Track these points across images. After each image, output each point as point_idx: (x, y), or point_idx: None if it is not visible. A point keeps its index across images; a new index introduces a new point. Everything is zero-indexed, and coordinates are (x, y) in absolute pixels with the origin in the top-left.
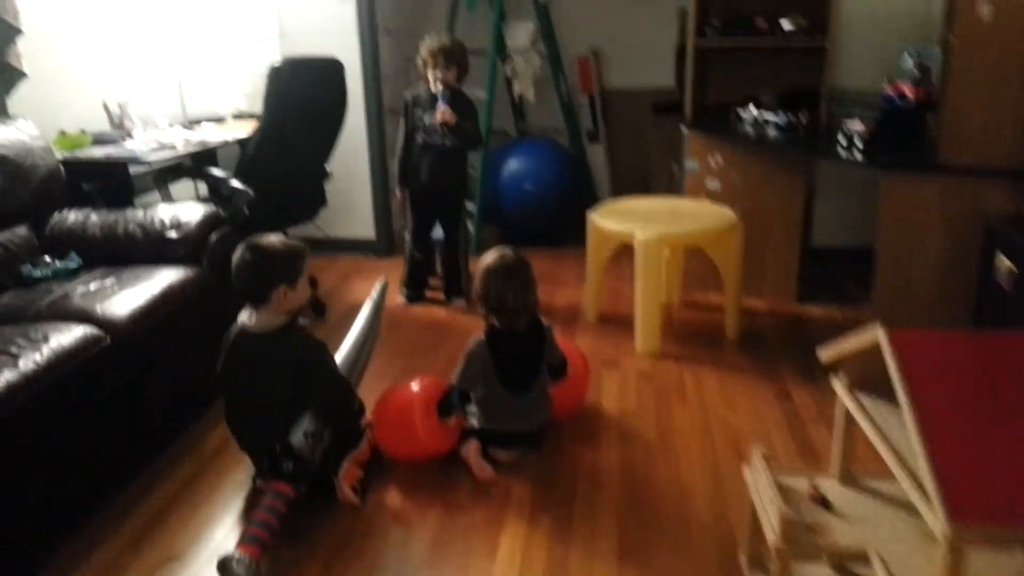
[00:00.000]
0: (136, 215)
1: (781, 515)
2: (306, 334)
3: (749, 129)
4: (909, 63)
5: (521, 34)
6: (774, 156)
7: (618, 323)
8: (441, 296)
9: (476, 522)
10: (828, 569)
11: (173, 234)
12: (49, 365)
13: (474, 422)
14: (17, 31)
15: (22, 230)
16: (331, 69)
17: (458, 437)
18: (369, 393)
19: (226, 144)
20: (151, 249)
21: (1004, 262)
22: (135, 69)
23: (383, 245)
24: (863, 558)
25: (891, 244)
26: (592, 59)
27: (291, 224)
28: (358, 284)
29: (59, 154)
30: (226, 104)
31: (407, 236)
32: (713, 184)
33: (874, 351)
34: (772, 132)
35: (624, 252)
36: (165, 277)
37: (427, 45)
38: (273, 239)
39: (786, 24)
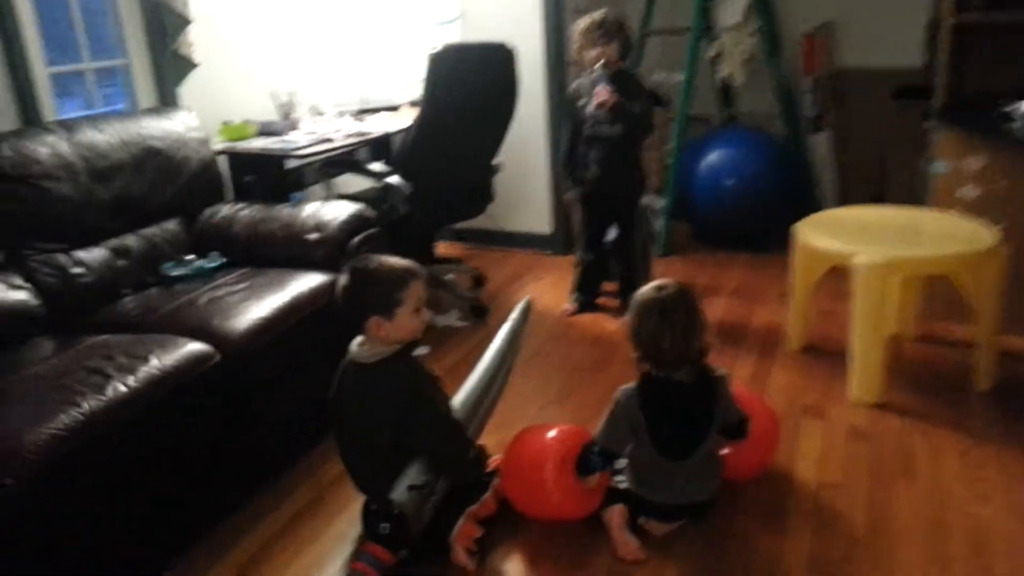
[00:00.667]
0: (282, 213)
1: None
2: (415, 366)
3: (1020, 127)
4: None
5: (732, 10)
6: None
7: (829, 356)
8: (616, 304)
9: None
10: None
11: (313, 236)
12: (143, 389)
13: (623, 483)
14: (187, 21)
15: (172, 225)
16: (499, 55)
17: (603, 498)
18: (504, 428)
19: (387, 135)
20: (292, 251)
21: None
22: (308, 56)
23: (560, 241)
24: None
25: None
26: (820, 35)
27: (453, 222)
28: (529, 283)
29: (221, 145)
30: (403, 91)
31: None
32: (968, 192)
33: None
34: None
35: (843, 270)
36: (299, 284)
37: (579, 26)
38: (383, 261)
39: None
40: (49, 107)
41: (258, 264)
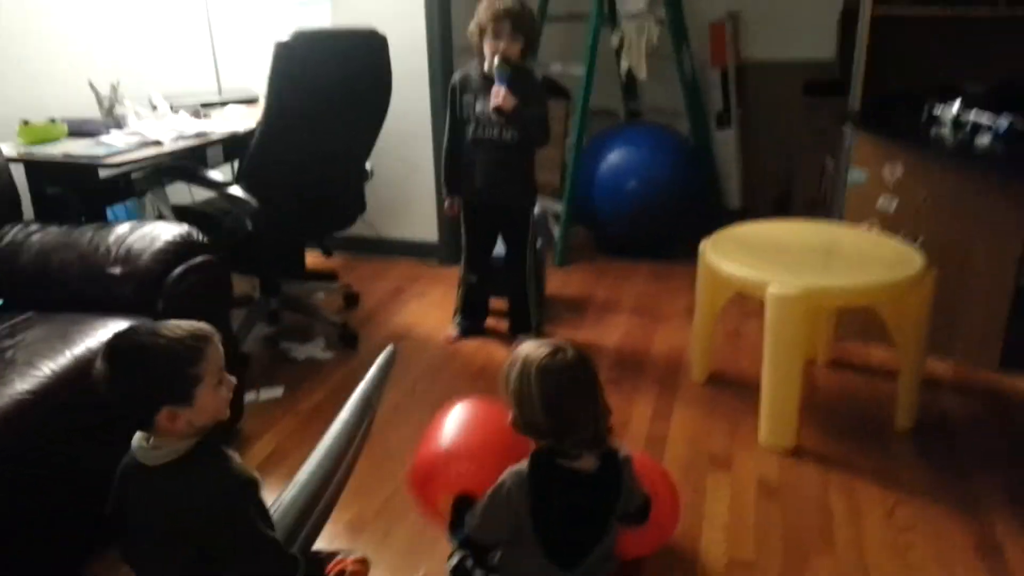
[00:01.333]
0: (83, 239)
1: None
2: (224, 468)
3: (947, 133)
4: None
5: None
6: (985, 173)
7: (736, 388)
8: (506, 326)
9: None
10: None
11: (116, 270)
12: None
13: None
14: None
15: None
16: (366, 43)
17: None
18: (363, 496)
19: (236, 136)
20: (92, 290)
21: None
22: (139, 38)
23: (447, 250)
24: None
25: None
26: (729, 24)
27: (314, 237)
28: (411, 300)
29: (18, 150)
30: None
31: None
32: (887, 204)
33: None
34: (983, 140)
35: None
36: (89, 339)
37: (487, 7)
38: (158, 331)
39: None
40: None
41: (46, 307)
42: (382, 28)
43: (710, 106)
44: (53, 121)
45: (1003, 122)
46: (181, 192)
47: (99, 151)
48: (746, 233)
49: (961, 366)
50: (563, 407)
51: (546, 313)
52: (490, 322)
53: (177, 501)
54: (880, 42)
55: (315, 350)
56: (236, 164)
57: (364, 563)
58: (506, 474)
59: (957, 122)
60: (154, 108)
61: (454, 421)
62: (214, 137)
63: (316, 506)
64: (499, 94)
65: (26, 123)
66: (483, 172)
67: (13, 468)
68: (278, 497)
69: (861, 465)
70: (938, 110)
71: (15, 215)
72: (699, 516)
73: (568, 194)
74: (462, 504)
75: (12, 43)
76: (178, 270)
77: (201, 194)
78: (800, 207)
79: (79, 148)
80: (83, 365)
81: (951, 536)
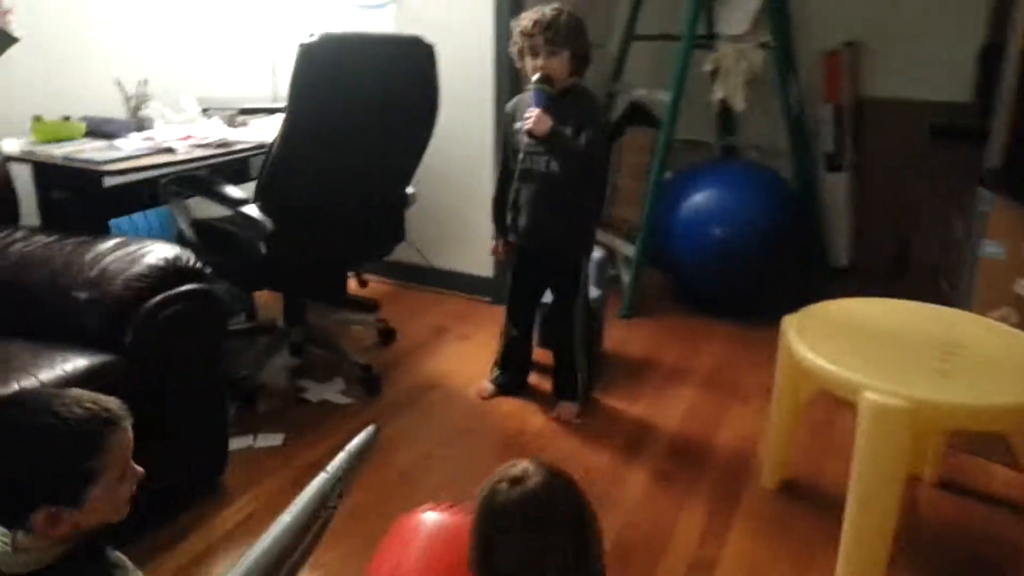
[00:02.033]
0: (63, 253)
1: None
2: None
3: None
4: None
5: (737, 16)
6: None
7: (817, 503)
8: (549, 388)
9: None
10: None
11: (83, 294)
12: None
13: None
14: None
15: None
16: (409, 52)
17: None
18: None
19: (263, 147)
20: (56, 313)
21: None
22: (174, 34)
23: (501, 288)
24: None
25: None
26: (846, 55)
27: (342, 267)
28: (453, 343)
29: (22, 147)
30: None
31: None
32: None
33: None
34: None
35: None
36: (28, 376)
37: (520, 23)
38: (53, 402)
39: None
40: None
41: (8, 329)
42: (447, 37)
43: (819, 147)
44: (67, 119)
45: None
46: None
47: (103, 155)
48: (842, 312)
49: None
50: (495, 559)
51: (598, 377)
52: (535, 379)
53: None
54: None
55: (332, 392)
56: None
57: None
58: None
59: None
60: (183, 111)
61: (408, 543)
62: (239, 147)
63: None
64: (531, 116)
65: (38, 119)
66: (528, 210)
67: None
68: None
69: None
70: None
71: (9, 218)
72: None
73: (643, 236)
74: None
75: (37, 35)
76: (156, 299)
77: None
78: (919, 272)
79: (87, 150)
80: None
81: None
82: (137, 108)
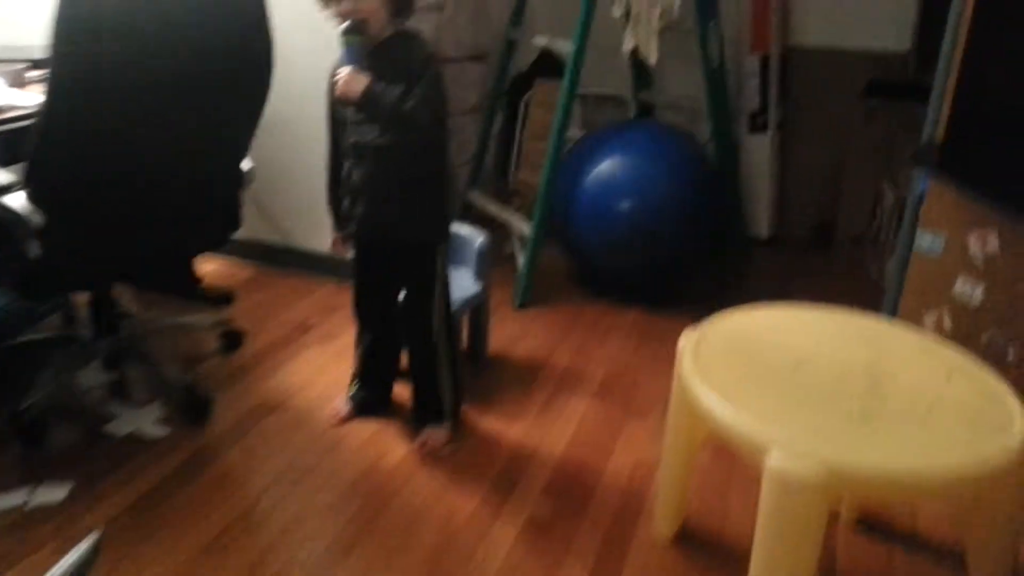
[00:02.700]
0: None
1: None
2: None
3: None
4: None
5: None
6: None
7: (719, 556)
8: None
9: None
10: None
11: None
12: None
13: None
14: None
15: None
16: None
17: None
18: None
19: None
20: None
21: None
22: None
23: None
24: None
25: None
26: None
27: (151, 268)
28: (311, 347)
29: None
30: None
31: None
32: (968, 291)
33: None
34: None
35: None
36: None
37: None
38: None
39: None
40: None
41: None
42: None
43: (743, 104)
44: None
45: None
46: None
47: None
48: (750, 327)
49: None
50: None
51: (480, 387)
52: (402, 392)
53: None
54: (983, 36)
55: (145, 422)
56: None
57: None
58: None
59: None
60: None
61: None
62: (16, 114)
63: None
64: (339, 76)
65: None
66: (362, 193)
67: None
68: None
69: None
70: None
71: None
72: None
73: (539, 211)
74: None
75: None
76: None
77: None
78: (845, 243)
79: None
80: None
81: None
82: None
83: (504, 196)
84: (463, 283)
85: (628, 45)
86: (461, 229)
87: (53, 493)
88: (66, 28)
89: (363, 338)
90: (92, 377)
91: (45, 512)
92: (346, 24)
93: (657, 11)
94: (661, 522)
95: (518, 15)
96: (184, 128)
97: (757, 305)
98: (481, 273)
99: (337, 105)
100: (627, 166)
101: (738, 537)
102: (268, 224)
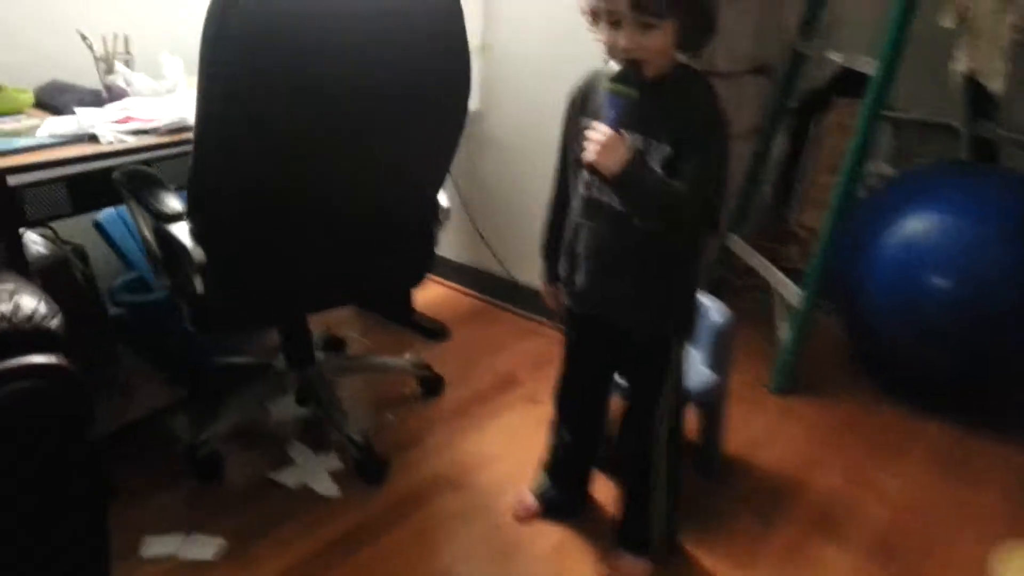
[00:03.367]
0: None
1: None
2: None
3: None
4: None
5: None
6: None
7: None
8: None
9: None
10: None
11: None
12: None
13: None
14: None
15: None
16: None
17: None
18: None
19: None
20: None
21: None
22: None
23: None
24: None
25: None
26: None
27: (317, 308)
28: (514, 406)
29: None
30: None
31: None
32: None
33: None
34: None
35: None
36: None
37: None
38: None
39: None
40: None
41: None
42: None
43: None
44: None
45: None
46: None
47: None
48: None
49: None
50: None
51: (679, 521)
52: (602, 493)
53: None
54: None
55: (317, 475)
56: None
57: None
58: None
59: None
60: (162, 76)
61: None
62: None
63: None
64: (595, 136)
65: None
66: (588, 264)
67: None
68: None
69: None
70: None
71: None
72: None
73: (818, 267)
74: None
75: None
76: None
77: None
78: None
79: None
80: None
81: None
82: (109, 68)
83: (778, 241)
84: (692, 367)
85: (962, 64)
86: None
87: (203, 548)
88: (217, 57)
89: (561, 432)
90: (282, 411)
91: (194, 568)
92: (618, 69)
93: (1008, 21)
94: None
95: (810, 24)
96: (359, 157)
97: None
98: (720, 360)
99: (581, 138)
100: (953, 225)
101: None
102: (489, 253)
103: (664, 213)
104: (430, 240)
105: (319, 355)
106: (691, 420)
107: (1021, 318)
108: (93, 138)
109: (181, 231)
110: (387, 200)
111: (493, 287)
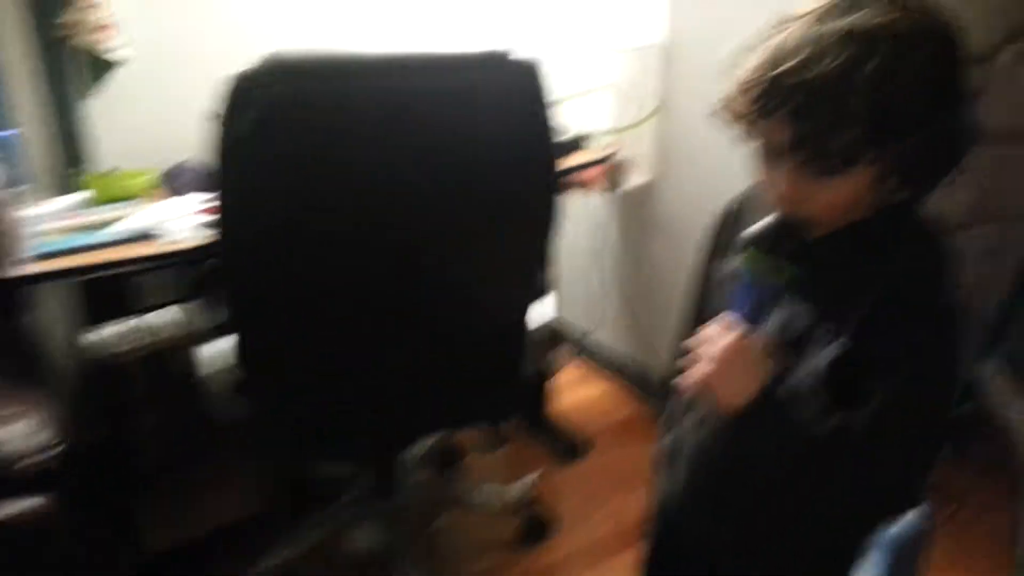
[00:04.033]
0: None
1: None
2: None
3: None
4: None
5: None
6: None
7: None
8: None
9: None
10: None
11: None
12: None
13: None
14: None
15: None
16: (481, 85)
17: None
18: None
19: None
20: None
21: None
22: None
23: None
24: None
25: None
26: None
27: (388, 448)
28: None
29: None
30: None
31: None
32: None
33: None
34: None
35: None
36: None
37: (741, 71)
38: None
39: None
40: None
41: None
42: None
43: None
44: (116, 170)
45: None
46: None
47: (76, 240)
48: None
49: None
50: None
51: None
52: None
53: None
54: None
55: None
56: None
57: None
58: None
59: None
60: None
61: None
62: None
63: None
64: (711, 340)
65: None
66: (687, 472)
67: None
68: None
69: None
70: None
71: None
72: None
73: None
74: None
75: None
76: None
77: None
78: None
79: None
80: None
81: None
82: None
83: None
84: None
85: None
86: None
87: None
88: (235, 156)
89: None
90: (362, 540)
91: None
92: (764, 225)
93: None
94: None
95: None
96: (410, 271)
97: None
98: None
99: (716, 280)
100: None
101: None
102: (655, 352)
103: (816, 475)
104: (515, 373)
105: (419, 476)
106: None
107: None
108: (148, 236)
109: (221, 348)
110: (455, 324)
111: (639, 380)
